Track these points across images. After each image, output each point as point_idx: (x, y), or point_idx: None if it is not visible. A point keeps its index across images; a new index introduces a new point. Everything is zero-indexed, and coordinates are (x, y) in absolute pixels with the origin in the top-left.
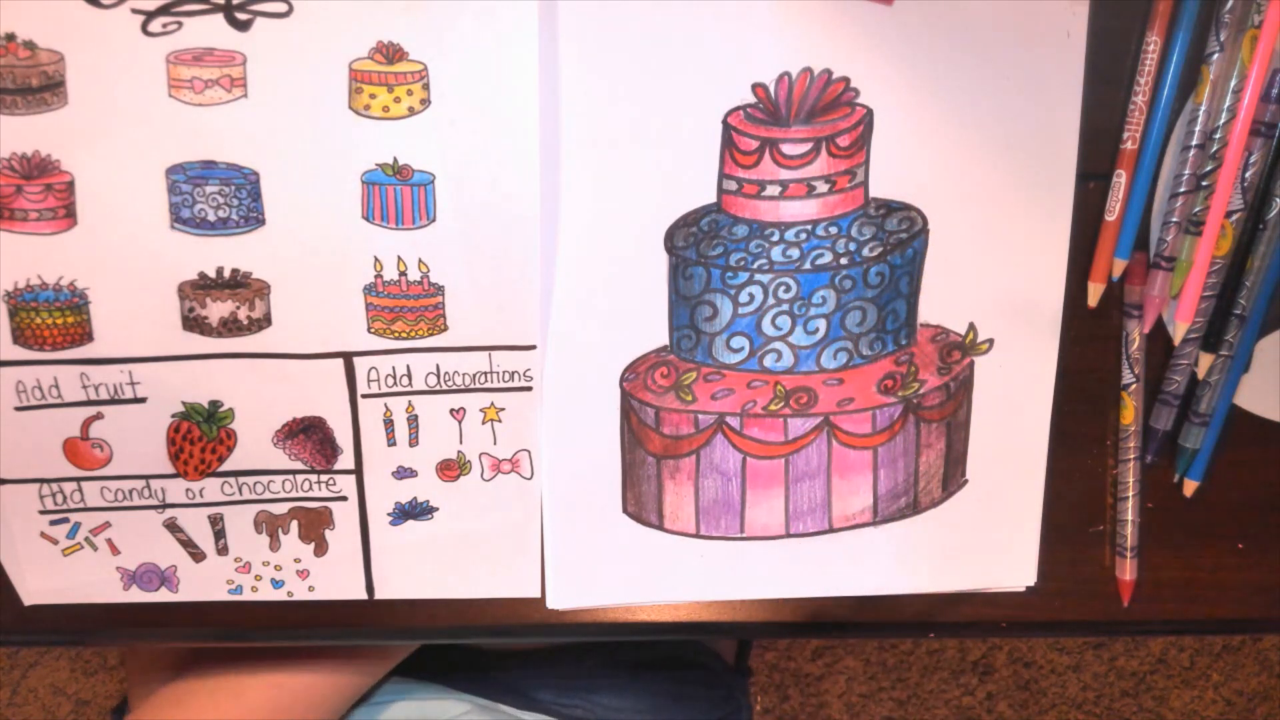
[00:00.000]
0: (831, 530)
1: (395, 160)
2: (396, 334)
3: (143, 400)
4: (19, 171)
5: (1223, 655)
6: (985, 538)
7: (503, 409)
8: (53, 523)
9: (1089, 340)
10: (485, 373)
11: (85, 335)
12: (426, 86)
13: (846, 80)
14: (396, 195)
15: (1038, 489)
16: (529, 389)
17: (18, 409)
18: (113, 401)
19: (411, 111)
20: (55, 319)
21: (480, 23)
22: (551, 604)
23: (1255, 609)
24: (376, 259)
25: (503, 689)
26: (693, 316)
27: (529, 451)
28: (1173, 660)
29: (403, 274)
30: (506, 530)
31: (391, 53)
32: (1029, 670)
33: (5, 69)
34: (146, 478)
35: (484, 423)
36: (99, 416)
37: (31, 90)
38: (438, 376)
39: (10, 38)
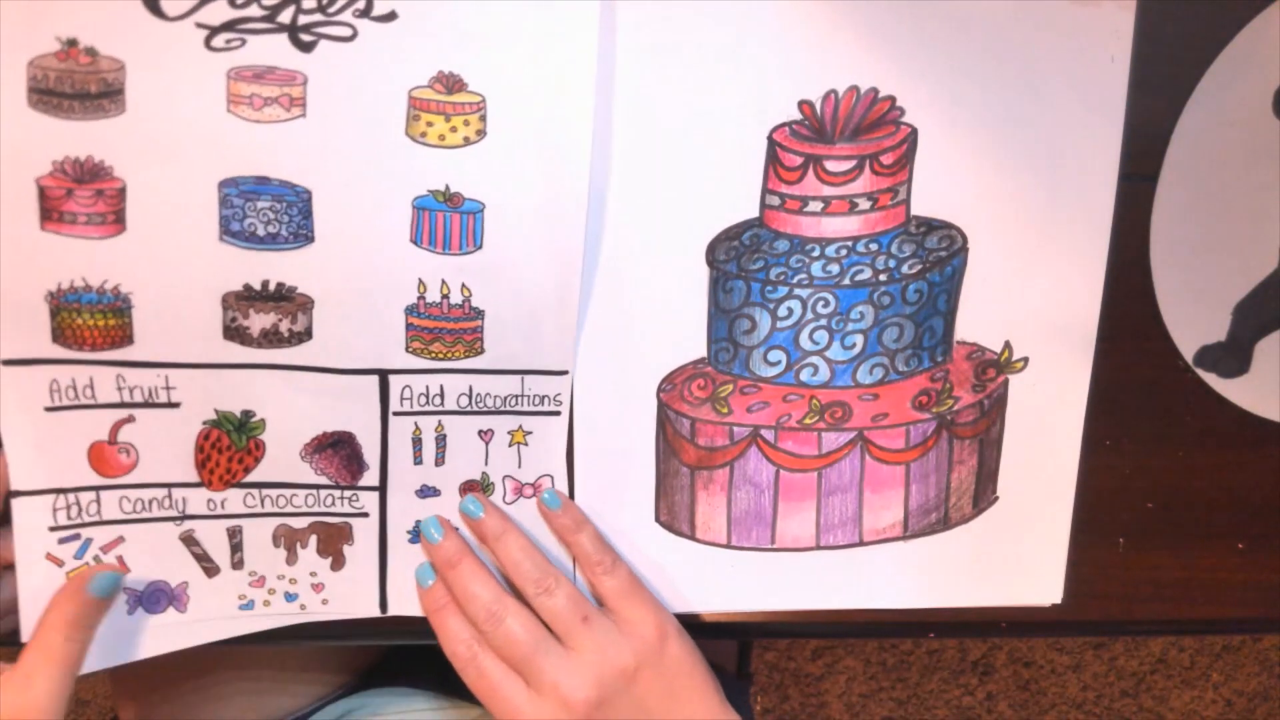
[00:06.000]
0: (862, 544)
1: (447, 188)
2: (433, 354)
3: (176, 405)
4: (70, 175)
5: (1223, 655)
6: (1013, 555)
7: (530, 432)
8: (62, 540)
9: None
10: (516, 395)
11: (125, 338)
12: (484, 118)
13: (892, 99)
14: (446, 221)
15: (1067, 507)
16: (557, 413)
17: (49, 409)
18: (146, 405)
19: (467, 141)
20: (97, 320)
21: (540, 58)
22: None
23: (1255, 609)
24: (421, 281)
25: None
26: (731, 329)
27: (552, 477)
28: (1173, 660)
29: (445, 297)
30: None
31: (451, 83)
32: (1029, 670)
33: (65, 73)
34: (169, 486)
35: (510, 445)
36: (130, 420)
37: (89, 96)
38: (469, 397)
39: (72, 43)
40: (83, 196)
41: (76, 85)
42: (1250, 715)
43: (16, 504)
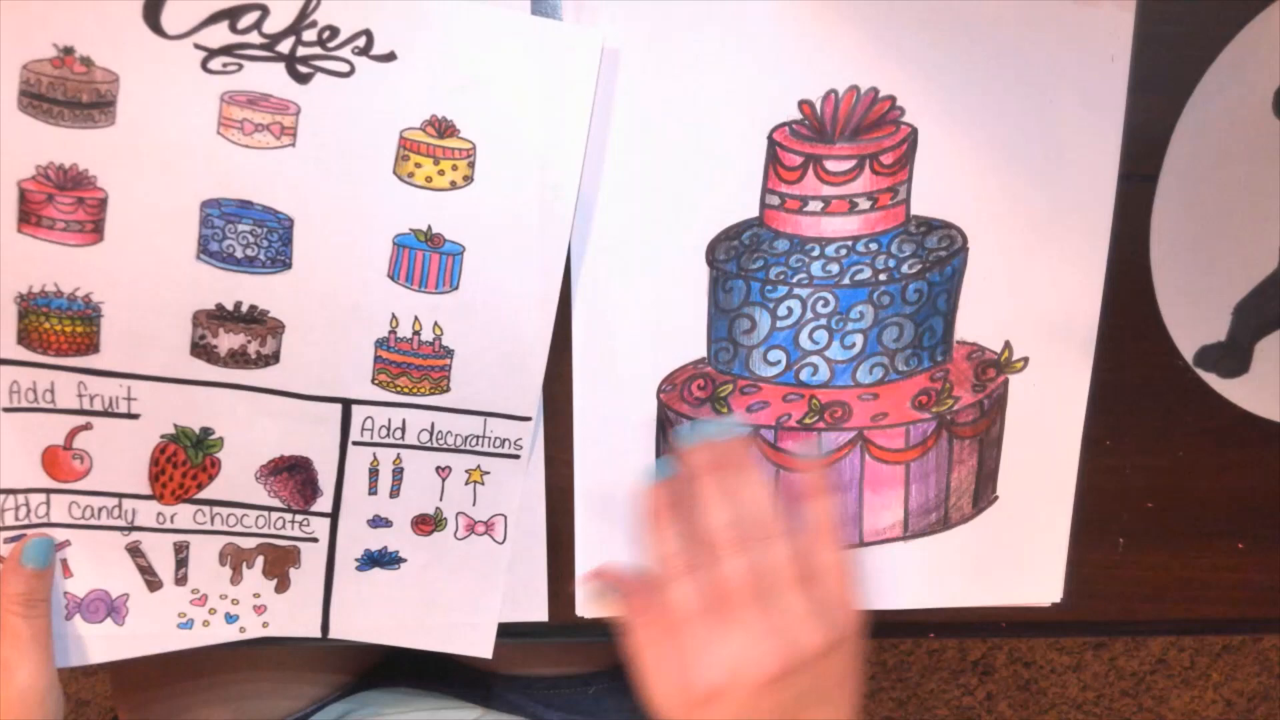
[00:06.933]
0: (862, 544)
1: (429, 228)
2: (399, 388)
3: (135, 417)
4: (53, 181)
5: (1223, 655)
6: (1013, 554)
7: (487, 473)
8: (8, 540)
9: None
10: (477, 436)
11: (91, 346)
12: (472, 165)
13: (893, 99)
14: (425, 260)
15: (1066, 507)
16: (516, 457)
17: (6, 409)
18: (106, 414)
19: (454, 185)
20: (65, 326)
21: (534, 115)
22: (580, 612)
23: (1255, 609)
24: (394, 316)
25: (509, 707)
26: (731, 329)
27: (505, 517)
28: (1173, 660)
29: (416, 333)
30: (469, 590)
31: (443, 128)
32: (1029, 670)
33: (58, 80)
34: (120, 496)
35: (467, 483)
36: (87, 427)
37: (80, 105)
38: (430, 434)
39: (69, 51)
40: (63, 203)
41: (68, 93)
42: (1250, 715)
43: None
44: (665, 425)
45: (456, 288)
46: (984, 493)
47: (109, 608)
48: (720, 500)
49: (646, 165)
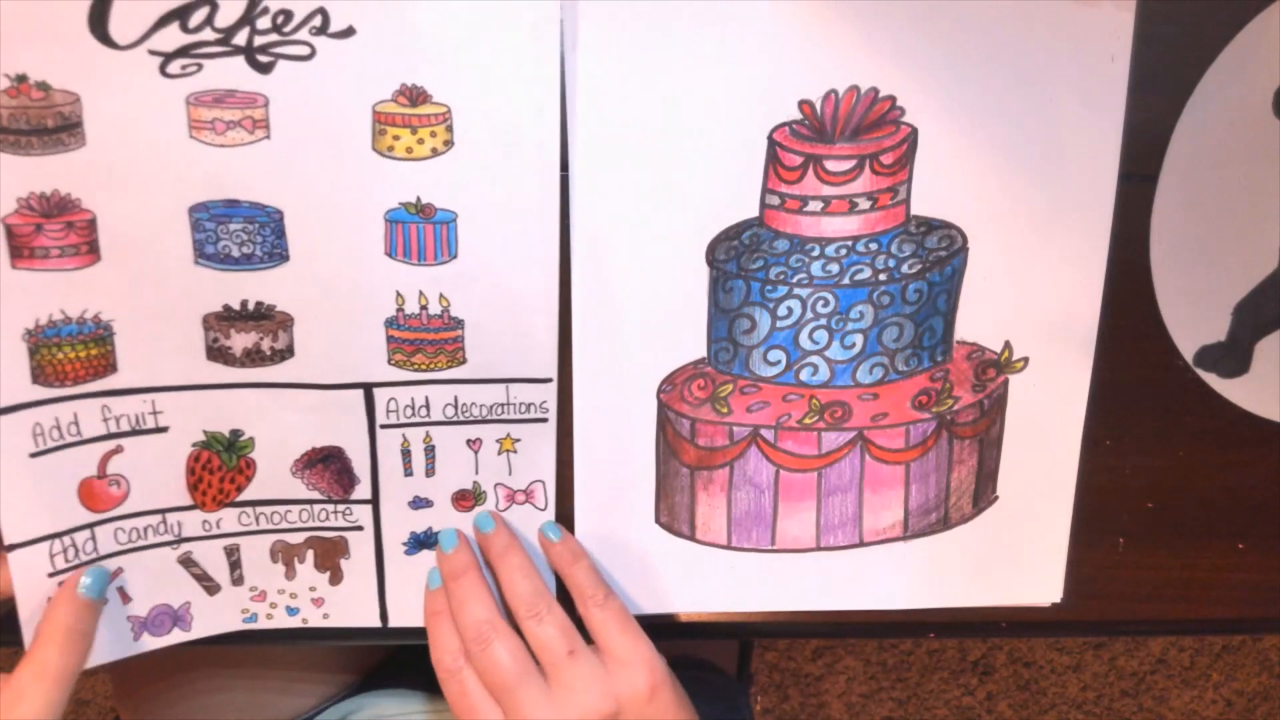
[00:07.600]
0: (862, 544)
1: (418, 199)
2: (416, 366)
3: (164, 430)
4: (38, 210)
5: (1223, 655)
6: (1013, 554)
7: (518, 440)
8: (62, 584)
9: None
10: (502, 404)
11: (109, 366)
12: (450, 128)
13: (893, 99)
14: (419, 233)
15: (1066, 507)
16: (544, 420)
17: (34, 455)
18: (134, 433)
19: (435, 152)
20: (79, 352)
21: (503, 64)
22: None
23: (1255, 609)
24: (398, 293)
25: None
26: (731, 329)
27: (543, 483)
28: (1173, 660)
29: (424, 308)
30: None
31: (415, 95)
32: (1029, 670)
33: (19, 110)
34: (163, 512)
35: (500, 453)
36: (118, 450)
37: (47, 131)
38: (455, 408)
39: (22, 79)
40: (52, 230)
41: (32, 121)
42: (1250, 715)
43: (13, 557)
44: (665, 426)
45: (455, 256)
46: (984, 493)
47: (174, 618)
48: (468, 600)
49: (646, 165)
